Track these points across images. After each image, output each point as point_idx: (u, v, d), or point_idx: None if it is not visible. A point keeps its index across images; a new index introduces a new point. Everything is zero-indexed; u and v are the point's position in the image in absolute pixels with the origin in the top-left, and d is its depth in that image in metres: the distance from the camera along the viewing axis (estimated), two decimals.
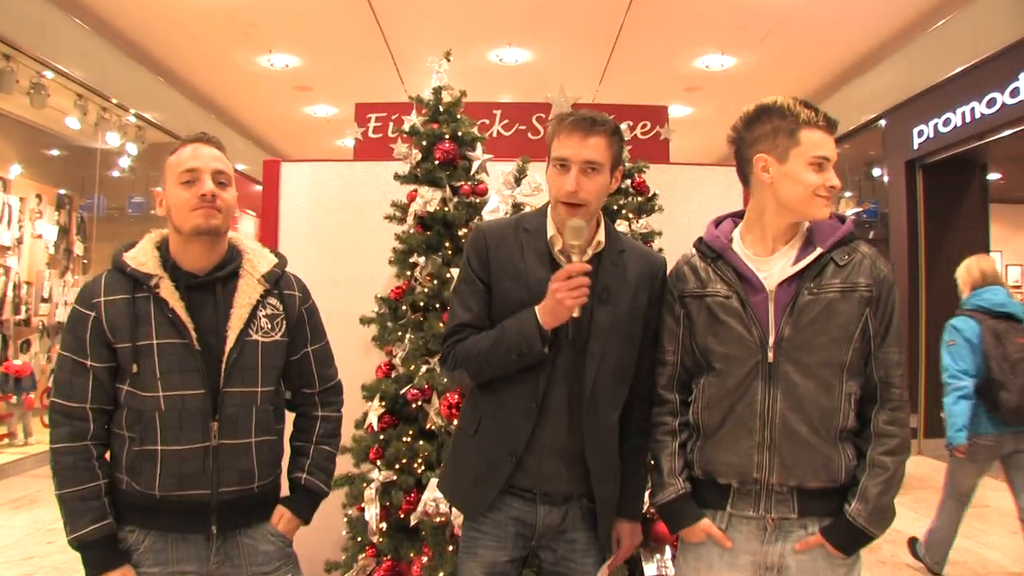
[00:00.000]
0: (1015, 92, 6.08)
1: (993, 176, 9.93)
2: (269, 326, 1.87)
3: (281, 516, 1.92)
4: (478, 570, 1.98)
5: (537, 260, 1.93)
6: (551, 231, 1.94)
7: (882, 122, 8.17)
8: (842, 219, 1.87)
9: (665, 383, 1.97)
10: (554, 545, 1.98)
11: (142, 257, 1.80)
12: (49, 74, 6.81)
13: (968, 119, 6.69)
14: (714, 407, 1.85)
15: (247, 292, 1.85)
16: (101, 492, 1.76)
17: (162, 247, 1.84)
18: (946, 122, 7.00)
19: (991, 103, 6.37)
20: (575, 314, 1.79)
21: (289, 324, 1.91)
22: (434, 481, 2.75)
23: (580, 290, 1.76)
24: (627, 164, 3.17)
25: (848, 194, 9.81)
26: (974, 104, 6.58)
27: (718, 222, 2.00)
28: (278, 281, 1.91)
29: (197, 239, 1.80)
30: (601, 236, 1.95)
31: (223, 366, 1.79)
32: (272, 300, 1.89)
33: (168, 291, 1.77)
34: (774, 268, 1.83)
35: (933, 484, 6.22)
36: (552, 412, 1.90)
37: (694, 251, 1.97)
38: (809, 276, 1.80)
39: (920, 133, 7.40)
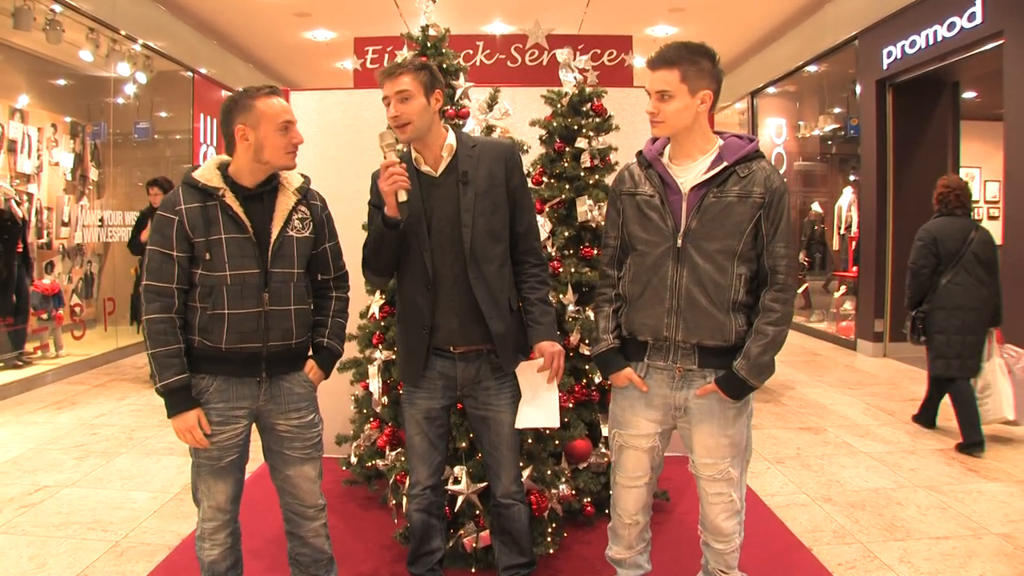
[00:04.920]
0: (972, 17, 6.19)
1: (968, 95, 9.79)
2: (300, 226, 2.37)
3: (311, 367, 2.46)
4: (419, 415, 2.56)
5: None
6: (414, 153, 2.48)
7: (857, 42, 8.17)
8: (750, 139, 2.30)
9: (608, 261, 2.41)
10: (474, 393, 2.54)
11: (209, 175, 2.29)
12: (58, 8, 6.96)
13: (931, 41, 6.78)
14: (636, 281, 2.32)
15: (285, 201, 2.36)
16: (181, 352, 2.25)
17: (221, 168, 2.33)
18: (912, 44, 7.08)
19: (951, 27, 6.47)
20: (401, 198, 2.29)
21: (314, 225, 2.40)
22: None
23: (392, 178, 2.27)
24: (587, 90, 3.47)
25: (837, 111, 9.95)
26: (936, 27, 6.66)
27: (654, 140, 2.39)
28: (306, 194, 2.41)
29: (268, 167, 2.31)
30: (451, 140, 2.47)
31: (270, 253, 2.29)
32: (302, 207, 2.39)
33: (231, 199, 2.27)
34: (689, 175, 2.27)
35: (889, 383, 6.66)
36: (445, 281, 2.43)
37: (635, 160, 2.41)
38: (715, 183, 2.22)
39: (889, 54, 7.48)
